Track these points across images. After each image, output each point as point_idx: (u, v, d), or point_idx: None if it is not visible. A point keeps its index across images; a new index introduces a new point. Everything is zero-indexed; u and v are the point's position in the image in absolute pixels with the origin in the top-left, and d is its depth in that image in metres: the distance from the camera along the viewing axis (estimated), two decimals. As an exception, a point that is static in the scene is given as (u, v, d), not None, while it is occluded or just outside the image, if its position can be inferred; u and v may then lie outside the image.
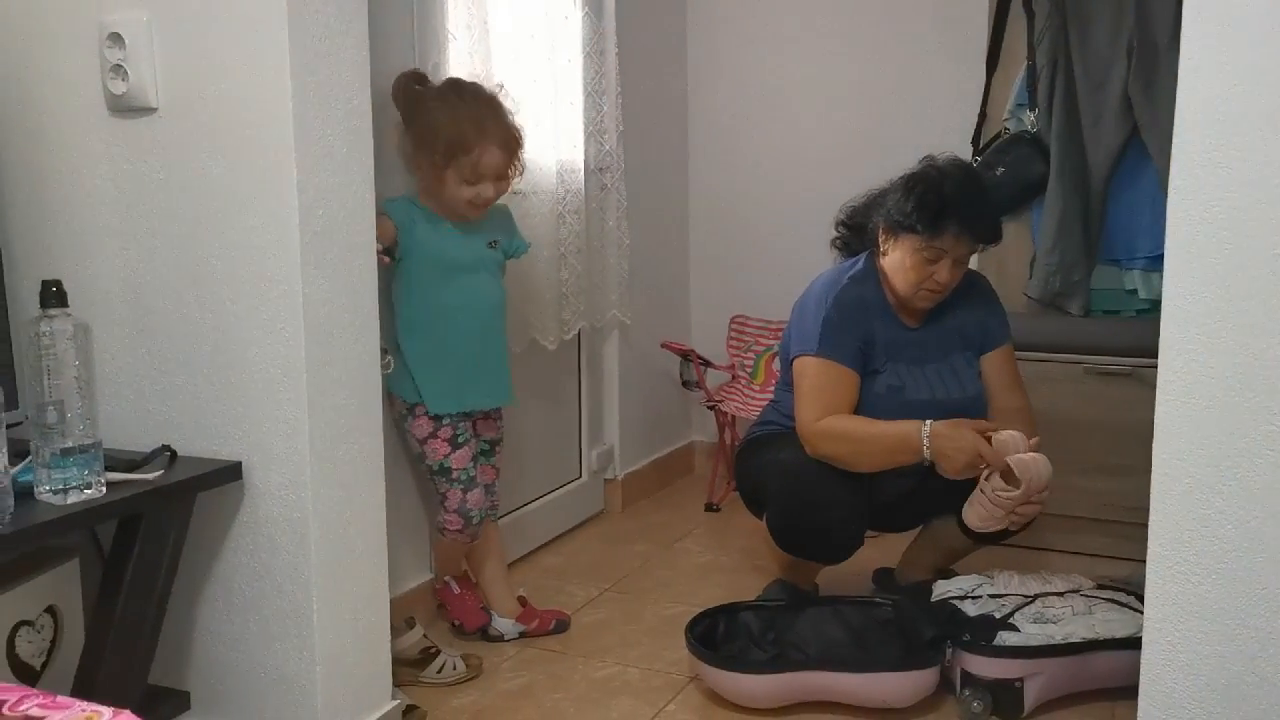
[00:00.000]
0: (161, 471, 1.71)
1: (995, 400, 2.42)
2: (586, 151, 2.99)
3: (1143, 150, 2.95)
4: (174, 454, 1.78)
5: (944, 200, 2.25)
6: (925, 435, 2.19)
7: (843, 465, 2.28)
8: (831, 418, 2.29)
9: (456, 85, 2.30)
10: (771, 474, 2.39)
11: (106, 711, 0.90)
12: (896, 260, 2.32)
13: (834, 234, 2.58)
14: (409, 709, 2.07)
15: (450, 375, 2.33)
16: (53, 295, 1.56)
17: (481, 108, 2.27)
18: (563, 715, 2.16)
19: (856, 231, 2.51)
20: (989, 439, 2.18)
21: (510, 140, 2.31)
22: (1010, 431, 2.19)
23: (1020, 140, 3.07)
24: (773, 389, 3.36)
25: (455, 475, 2.36)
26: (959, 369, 2.41)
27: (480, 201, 2.29)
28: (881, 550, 2.58)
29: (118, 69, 1.77)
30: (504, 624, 2.49)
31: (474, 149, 2.23)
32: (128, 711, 0.90)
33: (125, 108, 1.79)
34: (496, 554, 2.54)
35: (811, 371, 2.33)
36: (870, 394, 2.34)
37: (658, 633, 2.52)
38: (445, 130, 2.21)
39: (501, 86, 2.38)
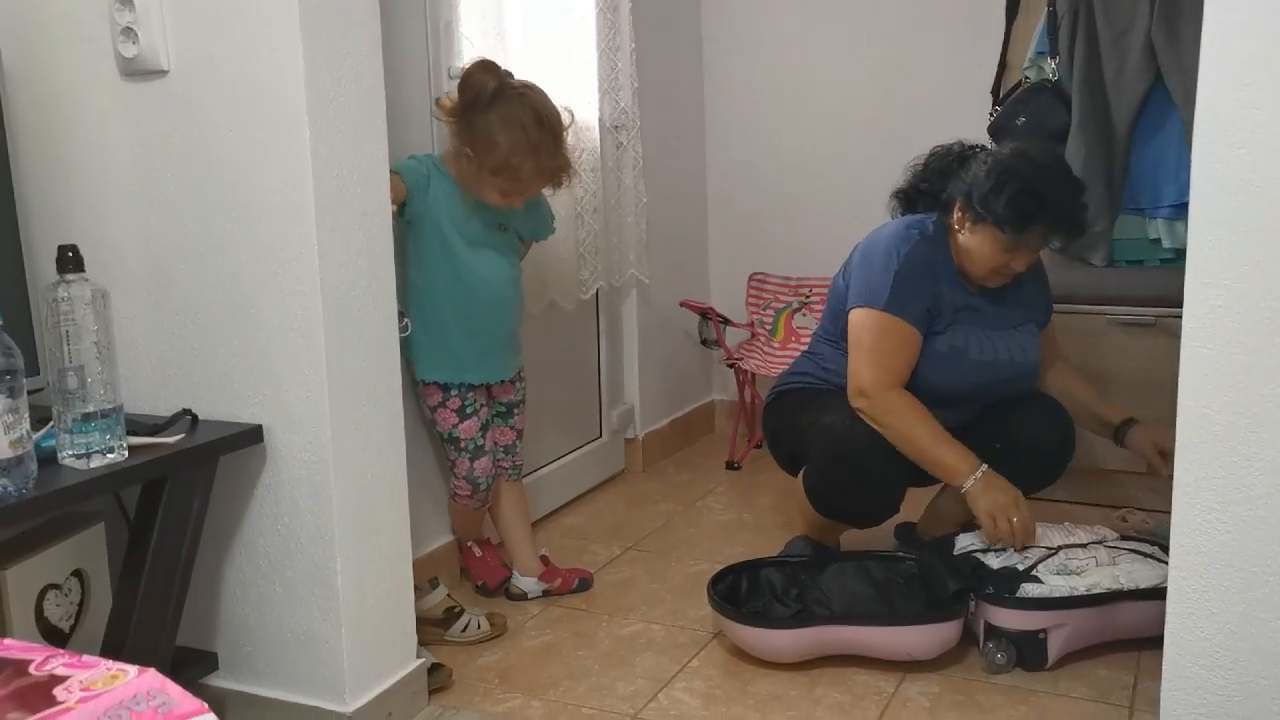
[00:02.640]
0: (183, 435, 1.72)
1: (1049, 363, 2.45)
2: (601, 109, 2.96)
3: (1166, 97, 2.90)
4: (195, 418, 1.78)
5: (1039, 203, 2.19)
6: (976, 475, 2.18)
7: (883, 435, 2.25)
8: (903, 398, 2.23)
9: (536, 113, 2.20)
10: (815, 437, 2.35)
11: (132, 670, 0.91)
12: (973, 243, 2.27)
13: (901, 185, 2.47)
14: (434, 668, 2.08)
15: (443, 347, 2.33)
16: (69, 260, 1.56)
17: (545, 140, 2.20)
18: (588, 672, 2.17)
19: (927, 196, 2.41)
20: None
21: (560, 174, 2.30)
22: None
23: (1041, 89, 3.02)
24: (793, 346, 3.35)
25: (463, 445, 2.38)
26: (1023, 337, 2.38)
27: (507, 206, 2.29)
28: (904, 505, 2.57)
29: (128, 32, 1.75)
30: (527, 583, 2.50)
31: (523, 180, 2.23)
32: (152, 670, 0.90)
33: (136, 71, 1.78)
34: (520, 513, 2.55)
35: (878, 328, 2.27)
36: (931, 353, 2.29)
37: (681, 590, 2.53)
38: (503, 152, 2.17)
39: (571, 114, 2.32)
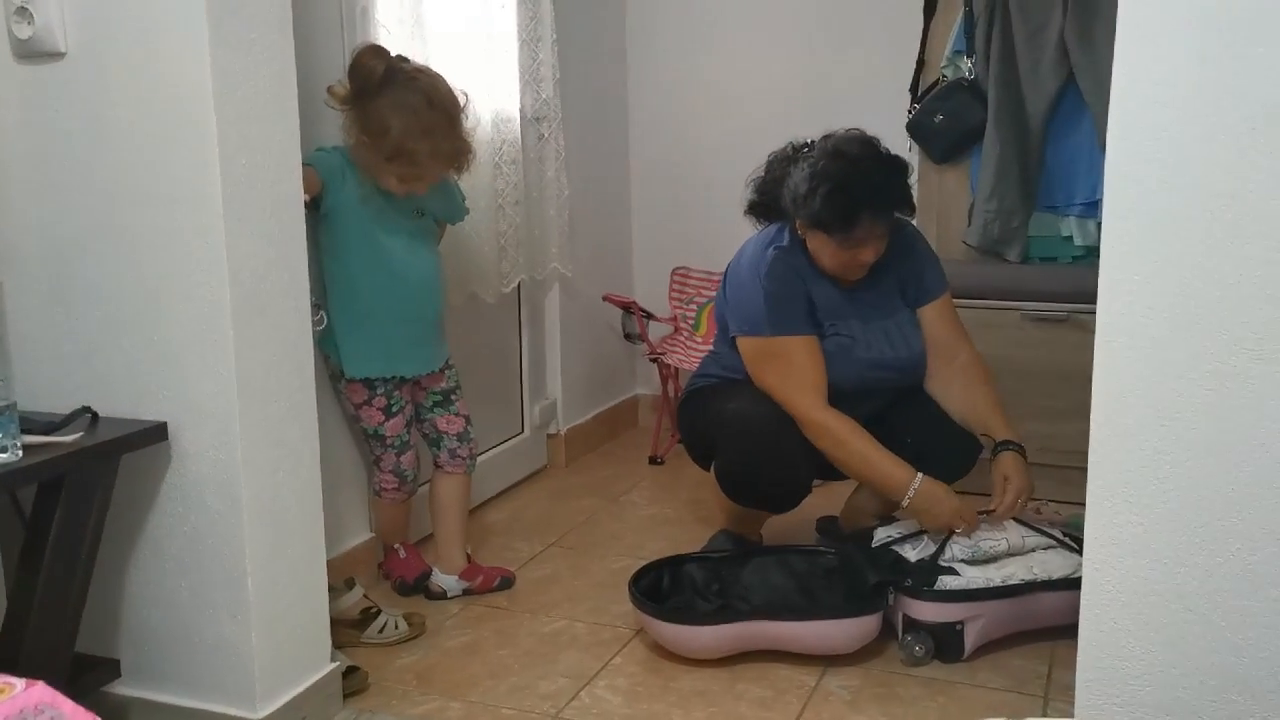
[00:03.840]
0: (82, 434, 1.65)
1: (942, 353, 2.38)
2: (523, 100, 2.92)
3: (1079, 96, 2.96)
4: (95, 415, 1.71)
5: (852, 196, 2.18)
6: (914, 487, 2.17)
7: (828, 458, 2.27)
8: (835, 418, 2.23)
9: (427, 96, 2.15)
10: (720, 424, 2.36)
11: (19, 683, 0.86)
12: (814, 246, 2.28)
13: (747, 203, 2.47)
14: (350, 670, 2.03)
15: (368, 341, 2.27)
16: (-42, 250, 1.49)
17: (439, 122, 2.16)
18: (509, 671, 2.14)
19: (770, 207, 2.41)
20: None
21: (459, 156, 2.25)
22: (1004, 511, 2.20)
23: (958, 87, 3.06)
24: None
25: (389, 441, 2.34)
26: (904, 326, 2.38)
27: (409, 192, 2.24)
28: (825, 498, 2.59)
29: (22, 11, 1.68)
30: (447, 581, 2.46)
31: (420, 164, 2.17)
32: (41, 683, 0.86)
33: (31, 52, 1.70)
34: (460, 510, 2.49)
35: (777, 353, 2.27)
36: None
37: (604, 586, 2.51)
38: (395, 137, 2.12)
39: (466, 96, 2.26)
